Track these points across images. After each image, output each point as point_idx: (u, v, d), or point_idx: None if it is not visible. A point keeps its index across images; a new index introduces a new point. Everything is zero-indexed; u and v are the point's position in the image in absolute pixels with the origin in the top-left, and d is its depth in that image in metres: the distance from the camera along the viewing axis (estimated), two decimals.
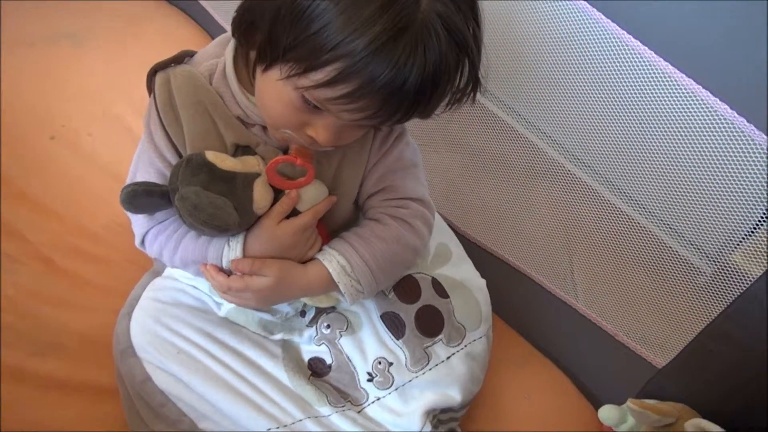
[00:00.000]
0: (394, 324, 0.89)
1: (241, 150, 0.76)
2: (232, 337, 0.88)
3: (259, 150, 0.76)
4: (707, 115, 0.73)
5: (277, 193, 0.77)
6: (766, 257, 0.75)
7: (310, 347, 0.91)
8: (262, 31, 0.63)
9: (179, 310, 0.89)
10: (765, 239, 0.75)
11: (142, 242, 0.84)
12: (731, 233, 0.81)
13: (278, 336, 0.91)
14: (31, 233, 1.12)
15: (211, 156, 0.73)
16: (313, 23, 0.58)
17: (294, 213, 0.78)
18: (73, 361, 0.97)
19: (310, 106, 0.65)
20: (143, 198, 0.74)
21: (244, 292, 0.79)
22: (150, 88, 0.75)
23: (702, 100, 0.72)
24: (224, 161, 0.73)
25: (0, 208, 1.12)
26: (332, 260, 0.80)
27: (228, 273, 0.80)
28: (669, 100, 0.77)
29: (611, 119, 0.87)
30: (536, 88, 0.97)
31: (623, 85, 0.81)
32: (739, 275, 0.79)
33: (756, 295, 0.75)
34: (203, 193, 0.70)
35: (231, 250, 0.78)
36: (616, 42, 0.79)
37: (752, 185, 0.74)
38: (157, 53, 1.39)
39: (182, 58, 0.77)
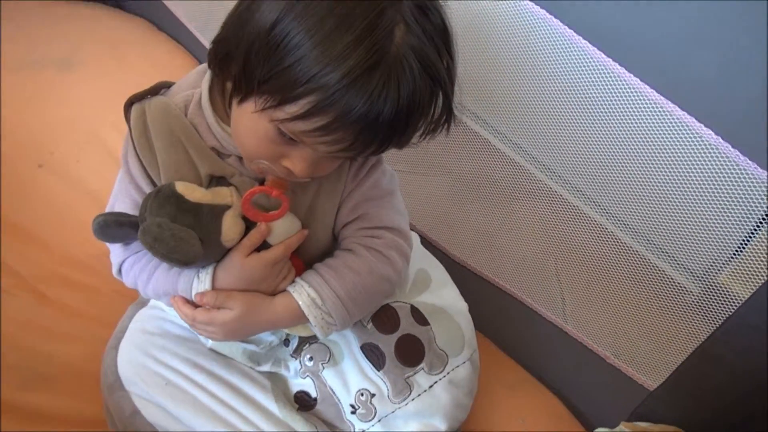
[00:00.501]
0: (374, 355, 0.88)
1: (215, 181, 0.76)
2: (220, 368, 0.87)
3: (234, 180, 0.76)
4: (693, 140, 0.75)
5: (251, 225, 0.77)
6: (753, 279, 0.76)
7: (296, 380, 0.90)
8: (237, 63, 0.63)
9: (166, 340, 0.89)
10: (752, 260, 0.76)
11: (119, 271, 0.84)
12: (717, 253, 0.82)
13: (265, 367, 0.91)
14: (19, 264, 1.11)
15: (181, 187, 0.73)
16: (287, 56, 0.58)
17: (265, 246, 0.78)
18: (63, 394, 0.96)
19: (285, 138, 0.65)
20: (114, 228, 0.74)
21: (210, 325, 0.79)
22: (127, 118, 0.75)
23: (687, 124, 0.74)
24: (193, 192, 0.73)
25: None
26: (302, 292, 0.79)
27: (197, 305, 0.80)
28: (654, 124, 0.78)
29: (597, 142, 0.88)
30: (523, 110, 0.98)
31: (607, 109, 0.82)
32: (726, 295, 0.80)
33: (744, 317, 0.75)
34: (167, 225, 0.70)
35: (200, 283, 0.78)
36: (599, 67, 0.80)
37: (736, 206, 0.75)
38: (145, 79, 1.40)
39: (158, 89, 0.77)
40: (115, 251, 0.83)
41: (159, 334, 0.89)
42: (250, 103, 0.64)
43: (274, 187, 0.72)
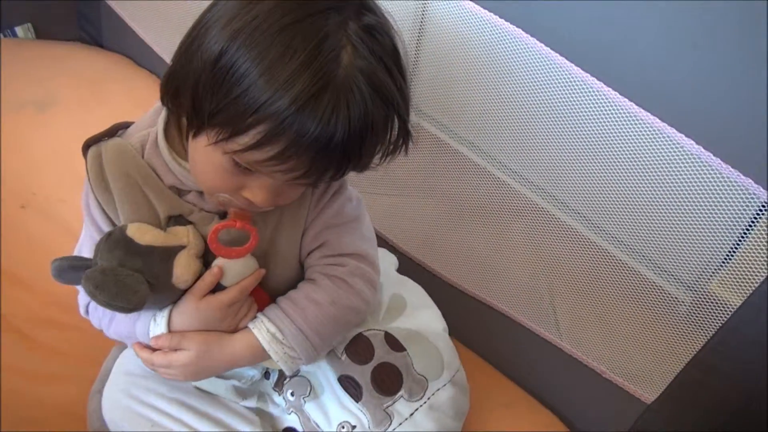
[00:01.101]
0: (351, 386, 0.86)
1: (173, 220, 0.75)
2: (206, 405, 0.86)
3: (193, 217, 0.75)
4: (675, 151, 0.75)
5: (208, 265, 0.77)
6: (743, 286, 0.76)
7: (282, 417, 0.89)
8: (187, 97, 0.62)
9: (150, 381, 0.86)
10: (740, 268, 0.76)
11: (86, 311, 0.84)
12: (707, 262, 0.82)
13: (251, 403, 0.89)
14: (4, 306, 1.09)
15: (132, 230, 0.72)
16: (234, 87, 0.58)
17: (220, 287, 0.77)
18: None
19: (242, 169, 0.64)
20: (70, 272, 0.73)
21: (169, 368, 0.79)
22: (85, 161, 0.75)
23: (669, 137, 0.74)
24: (144, 235, 0.72)
25: None
26: (261, 328, 0.78)
27: (155, 349, 0.79)
28: (637, 138, 0.78)
29: (582, 158, 0.88)
30: (508, 130, 0.98)
31: (592, 126, 0.83)
32: (717, 304, 0.80)
33: (737, 327, 0.75)
34: (111, 272, 0.69)
35: (156, 326, 0.77)
36: (581, 84, 0.80)
37: (722, 214, 0.76)
38: (126, 115, 1.40)
39: (115, 131, 0.77)
40: (82, 293, 0.83)
41: (142, 375, 0.87)
42: (203, 137, 0.63)
43: (237, 219, 0.71)
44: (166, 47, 1.49)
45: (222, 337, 0.78)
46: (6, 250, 1.17)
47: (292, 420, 0.88)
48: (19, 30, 1.59)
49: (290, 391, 0.88)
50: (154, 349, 0.79)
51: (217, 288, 0.77)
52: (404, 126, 0.67)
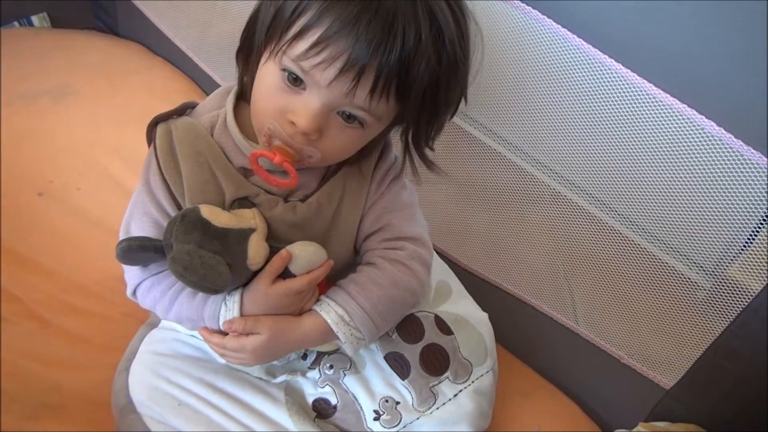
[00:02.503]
0: (398, 364, 0.88)
1: (237, 203, 0.76)
2: (233, 385, 0.87)
3: (258, 200, 0.77)
4: (695, 133, 0.74)
5: (274, 250, 0.77)
6: (764, 271, 0.75)
7: (314, 390, 0.90)
8: (252, 29, 0.69)
9: (178, 361, 0.88)
10: (761, 253, 0.75)
11: (134, 293, 0.84)
12: (727, 247, 0.82)
13: (281, 379, 0.90)
14: (22, 292, 1.10)
15: (206, 212, 0.73)
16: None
17: (288, 274, 0.78)
18: (72, 422, 0.94)
19: (291, 85, 0.66)
20: (138, 253, 0.74)
21: (241, 352, 0.80)
22: (150, 139, 0.76)
23: (689, 118, 0.73)
24: (219, 217, 0.73)
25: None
26: (329, 311, 0.80)
27: (223, 332, 0.80)
28: (656, 120, 0.78)
29: (600, 142, 0.88)
30: (525, 114, 0.98)
31: (609, 108, 0.82)
32: (737, 289, 0.79)
33: (757, 310, 0.74)
34: (196, 253, 0.70)
35: (228, 311, 0.78)
36: (598, 65, 0.80)
37: (742, 198, 0.75)
38: (142, 104, 1.42)
39: (184, 109, 0.79)
40: (131, 272, 0.83)
41: (170, 356, 0.89)
42: (264, 60, 0.68)
43: (277, 152, 0.70)
44: (181, 36, 1.49)
45: (292, 321, 0.80)
46: (24, 237, 1.18)
47: (325, 392, 0.89)
48: (35, 19, 1.60)
49: (329, 364, 0.90)
50: (223, 334, 0.81)
51: (285, 273, 0.78)
52: (461, 82, 0.70)
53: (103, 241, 1.17)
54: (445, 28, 0.65)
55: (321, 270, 0.79)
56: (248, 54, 0.72)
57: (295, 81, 0.66)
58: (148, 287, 0.82)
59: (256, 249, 0.75)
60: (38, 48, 1.52)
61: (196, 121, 0.77)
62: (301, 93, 0.67)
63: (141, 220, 0.79)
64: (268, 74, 0.68)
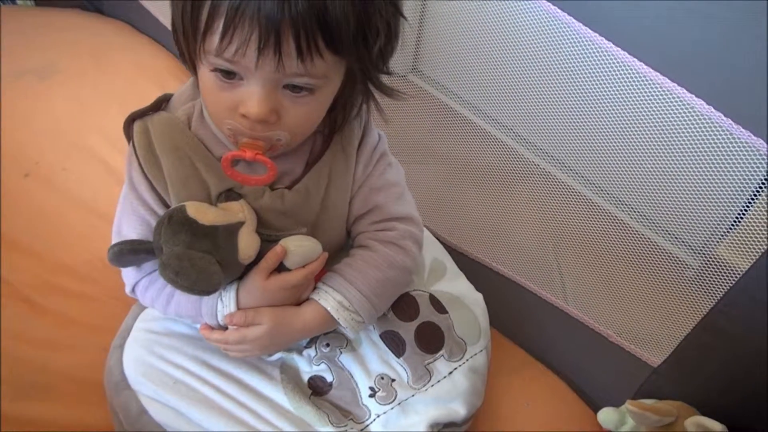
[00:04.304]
0: (394, 342, 0.89)
1: (224, 195, 0.75)
2: (228, 363, 0.87)
3: (243, 191, 0.76)
4: (684, 112, 0.74)
5: (265, 244, 0.77)
6: (751, 250, 0.75)
7: (309, 368, 0.90)
8: (178, 35, 0.66)
9: (173, 339, 0.88)
10: (749, 232, 0.75)
11: (133, 291, 0.85)
12: (715, 226, 0.82)
13: (276, 357, 0.91)
14: (9, 273, 1.10)
15: (193, 210, 0.72)
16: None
17: (283, 268, 0.78)
18: (62, 403, 0.95)
19: (228, 82, 0.65)
20: (130, 256, 0.75)
21: (243, 344, 0.80)
22: (128, 136, 0.75)
23: (678, 97, 0.73)
24: (206, 214, 0.72)
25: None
26: (328, 298, 0.80)
27: (223, 327, 0.81)
28: (644, 99, 0.77)
29: (589, 121, 0.87)
30: (514, 93, 0.97)
31: (596, 86, 0.82)
32: (725, 268, 0.79)
33: (745, 289, 0.75)
34: (185, 256, 0.69)
35: (224, 307, 0.79)
36: (587, 43, 0.79)
37: (731, 176, 0.75)
38: (129, 82, 1.40)
39: (159, 104, 0.77)
40: (127, 272, 0.84)
41: (165, 334, 0.89)
42: (199, 65, 0.67)
43: (247, 149, 0.69)
44: (165, 13, 1.47)
45: (292, 310, 0.81)
46: (10, 218, 1.17)
47: (321, 369, 0.90)
48: None
49: (325, 342, 0.90)
50: (222, 329, 0.81)
51: (280, 267, 0.78)
52: (385, 6, 0.66)
53: (90, 222, 1.17)
54: None
55: (316, 264, 0.79)
56: (187, 64, 0.71)
57: (229, 75, 0.65)
58: (145, 286, 0.83)
59: (246, 243, 0.74)
60: (22, 27, 1.51)
61: (173, 116, 0.76)
62: (241, 84, 0.65)
63: (130, 219, 0.79)
64: (205, 78, 0.67)
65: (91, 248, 1.14)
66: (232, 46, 0.61)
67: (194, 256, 0.70)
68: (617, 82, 0.79)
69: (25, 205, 1.20)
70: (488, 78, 0.98)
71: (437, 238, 1.11)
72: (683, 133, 0.75)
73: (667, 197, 0.85)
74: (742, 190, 0.76)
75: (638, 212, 0.94)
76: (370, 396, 0.87)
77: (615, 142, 0.88)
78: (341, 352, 0.89)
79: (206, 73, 0.66)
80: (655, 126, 0.79)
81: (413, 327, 0.89)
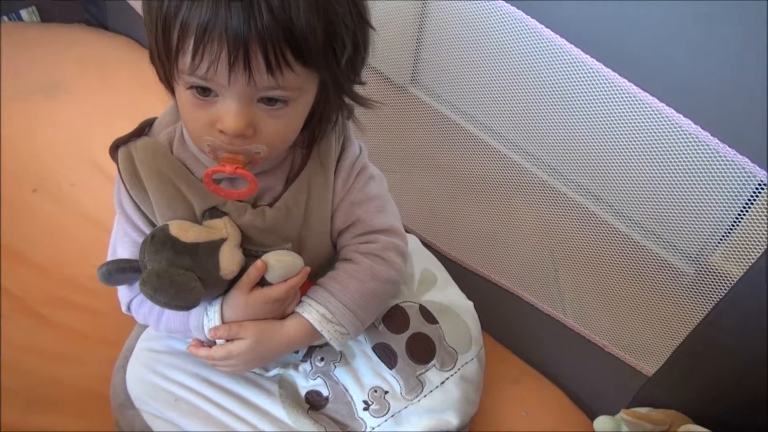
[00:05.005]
0: (386, 354, 0.90)
1: (208, 213, 0.77)
2: (228, 380, 0.89)
3: (226, 208, 0.77)
4: (674, 130, 0.76)
5: (249, 259, 0.78)
6: (744, 258, 0.77)
7: (306, 383, 0.92)
8: (155, 58, 0.67)
9: (173, 357, 0.90)
10: (742, 241, 0.77)
11: (128, 309, 0.88)
12: (708, 235, 0.83)
13: (273, 372, 0.92)
14: (17, 288, 1.12)
15: (175, 229, 0.74)
16: (160, 18, 0.63)
17: (265, 283, 0.79)
18: (71, 415, 0.96)
19: (203, 99, 0.66)
20: (118, 275, 0.78)
21: (228, 359, 0.82)
22: (115, 161, 0.77)
23: (668, 116, 0.75)
24: (187, 233, 0.75)
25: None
26: (311, 311, 0.81)
27: (213, 342, 0.82)
28: (638, 117, 0.79)
29: (585, 132, 0.89)
30: (511, 105, 0.98)
31: (591, 105, 0.83)
32: (720, 276, 0.81)
33: (734, 300, 0.76)
34: (165, 273, 0.72)
35: (209, 321, 0.80)
36: (584, 66, 0.81)
37: (720, 191, 0.77)
38: (133, 97, 1.42)
39: (142, 129, 0.79)
40: (122, 291, 0.87)
41: (166, 352, 0.91)
42: (175, 85, 0.68)
43: (226, 163, 0.70)
44: None
45: (276, 324, 0.82)
46: (19, 233, 1.19)
47: (317, 384, 0.91)
48: (24, 13, 1.60)
49: (320, 356, 0.91)
50: (209, 346, 0.83)
51: (262, 281, 0.79)
52: (349, 16, 0.66)
53: (96, 236, 1.19)
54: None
55: (297, 278, 0.80)
56: (165, 84, 0.72)
57: (204, 92, 0.65)
58: (138, 303, 0.86)
59: (228, 259, 0.76)
60: (29, 43, 1.52)
61: (155, 140, 0.78)
62: (216, 100, 0.66)
63: (123, 241, 0.82)
64: (182, 97, 0.68)
65: (98, 262, 1.12)
66: (203, 64, 0.62)
67: (174, 273, 0.72)
68: (610, 102, 0.81)
69: (33, 220, 1.22)
70: (487, 89, 0.99)
71: (434, 248, 1.13)
72: (672, 149, 0.77)
73: (661, 208, 0.86)
74: (731, 205, 0.77)
75: (634, 221, 0.95)
76: (364, 409, 0.88)
77: (610, 156, 0.89)
78: (335, 366, 0.90)
79: (183, 92, 0.67)
80: (645, 142, 0.81)
81: (404, 338, 0.90)
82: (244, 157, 0.70)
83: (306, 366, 0.92)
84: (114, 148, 0.77)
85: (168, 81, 0.69)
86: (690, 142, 0.75)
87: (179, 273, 0.72)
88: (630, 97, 0.77)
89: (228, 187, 0.76)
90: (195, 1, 0.60)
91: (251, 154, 0.70)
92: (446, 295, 0.98)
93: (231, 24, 0.59)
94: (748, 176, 0.72)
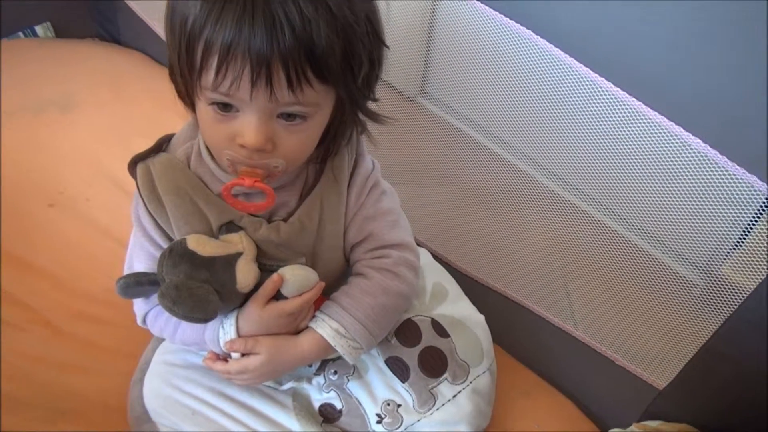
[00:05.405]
0: (398, 367, 0.91)
1: (224, 228, 0.79)
2: (242, 393, 0.90)
3: (242, 223, 0.79)
4: (681, 148, 0.77)
5: (264, 272, 0.80)
6: (755, 270, 0.77)
7: (319, 396, 0.93)
8: (176, 72, 0.69)
9: (189, 371, 0.91)
10: (752, 251, 0.77)
11: (144, 322, 0.89)
12: (718, 246, 0.84)
13: (287, 386, 0.93)
14: (33, 300, 1.13)
15: (193, 243, 0.76)
16: (184, 33, 0.64)
17: (281, 297, 0.80)
18: (86, 426, 0.97)
19: (225, 114, 0.67)
20: (135, 288, 0.79)
21: (244, 373, 0.83)
22: (133, 177, 0.79)
23: (676, 135, 0.76)
24: (205, 246, 0.76)
25: (0, 276, 1.13)
26: (325, 326, 0.83)
27: (227, 354, 0.84)
28: (646, 136, 0.80)
29: (596, 143, 0.89)
30: (521, 116, 0.99)
31: (601, 123, 0.84)
32: (730, 287, 0.81)
33: (745, 314, 0.77)
34: (183, 285, 0.73)
35: (225, 333, 0.82)
36: (592, 84, 0.82)
37: (728, 207, 0.77)
38: (146, 111, 1.43)
39: (160, 145, 0.81)
40: (138, 304, 0.88)
41: (182, 366, 0.92)
42: (196, 101, 0.69)
43: (246, 177, 0.72)
44: None
45: (290, 339, 0.83)
46: (36, 247, 1.20)
47: (330, 397, 0.92)
48: (39, 29, 1.62)
49: (333, 370, 0.92)
50: (223, 358, 0.85)
51: (277, 295, 0.80)
52: (368, 39, 0.68)
53: (112, 249, 1.20)
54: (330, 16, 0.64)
55: (312, 293, 0.81)
56: (185, 101, 0.74)
57: (225, 108, 0.67)
58: (154, 316, 0.87)
59: (244, 273, 0.77)
60: (43, 58, 1.54)
61: (173, 156, 0.79)
62: (237, 115, 0.68)
63: (140, 255, 0.83)
64: (203, 112, 0.69)
65: (114, 275, 1.12)
66: (226, 80, 0.63)
67: (192, 285, 0.73)
68: (620, 121, 0.82)
69: (50, 234, 1.23)
70: (497, 100, 1.00)
71: (444, 261, 1.13)
72: (681, 167, 0.78)
73: (671, 219, 0.86)
74: (738, 220, 0.78)
75: (643, 231, 0.95)
76: (378, 422, 0.90)
77: (620, 169, 0.89)
78: (348, 380, 0.92)
79: (204, 107, 0.68)
80: (655, 160, 0.81)
81: (416, 352, 0.92)
82: (263, 170, 0.72)
83: (319, 379, 0.93)
84: (132, 164, 0.78)
85: (189, 97, 0.71)
86: (698, 159, 0.76)
87: (197, 286, 0.73)
88: (640, 116, 0.78)
89: (245, 201, 0.77)
90: (219, 21, 0.61)
91: (270, 168, 0.72)
92: (458, 308, 0.99)
93: (254, 43, 0.61)
94: (756, 194, 0.73)
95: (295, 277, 0.80)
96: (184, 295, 0.72)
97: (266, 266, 0.80)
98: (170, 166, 0.78)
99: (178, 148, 0.80)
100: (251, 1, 0.61)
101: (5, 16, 1.54)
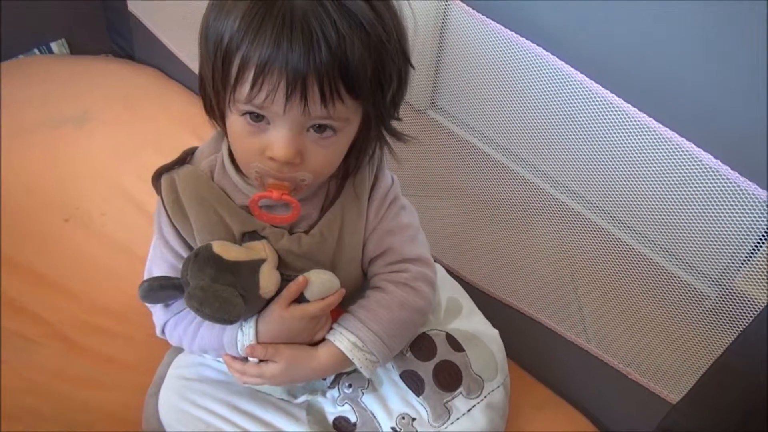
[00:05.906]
0: (413, 381, 0.91)
1: (247, 236, 0.80)
2: (257, 407, 0.91)
3: (265, 233, 0.80)
4: (692, 164, 0.78)
5: (286, 279, 0.81)
6: (766, 286, 0.77)
7: (334, 409, 0.93)
8: (208, 84, 0.71)
9: (204, 385, 0.92)
10: (761, 268, 0.78)
11: (162, 332, 0.90)
12: (731, 256, 0.84)
13: (302, 399, 0.94)
14: (48, 314, 1.14)
15: (218, 248, 0.77)
16: (220, 48, 0.66)
17: (303, 300, 0.81)
18: None
19: (256, 125, 0.69)
20: (159, 291, 0.80)
21: (260, 378, 0.84)
22: (157, 189, 0.80)
23: (687, 150, 0.77)
24: (229, 251, 0.77)
25: (15, 291, 1.15)
26: (342, 339, 0.83)
27: (243, 357, 0.84)
28: (657, 151, 0.81)
29: (607, 155, 0.90)
30: (531, 128, 1.00)
31: (611, 139, 0.85)
32: (742, 299, 0.81)
33: (757, 329, 0.77)
34: (209, 287, 0.74)
35: (244, 336, 0.82)
36: (601, 100, 0.83)
37: (739, 220, 0.78)
38: (161, 128, 1.45)
39: (184, 158, 0.83)
40: (157, 314, 0.88)
41: (197, 380, 0.93)
42: (228, 114, 0.71)
43: (273, 190, 0.73)
44: (196, 60, 1.52)
45: (308, 350, 0.84)
46: (52, 261, 1.21)
47: (345, 410, 0.92)
48: (54, 46, 1.65)
49: (348, 383, 0.93)
50: (243, 360, 0.85)
51: (300, 299, 0.81)
52: (397, 56, 0.70)
53: (127, 264, 1.21)
54: (358, 13, 0.66)
55: (334, 297, 0.82)
56: (213, 114, 0.75)
57: (257, 119, 0.68)
58: (173, 325, 0.88)
59: (267, 278, 0.78)
60: (59, 74, 1.56)
61: (197, 168, 0.81)
62: (268, 128, 0.69)
63: (160, 264, 0.84)
64: (234, 124, 0.71)
65: (129, 289, 1.14)
66: (261, 94, 0.65)
67: (218, 288, 0.74)
68: (630, 136, 0.82)
69: (64, 249, 1.24)
70: (507, 113, 1.00)
71: (456, 275, 1.13)
72: (693, 182, 0.78)
73: (683, 233, 0.86)
74: (749, 232, 0.78)
75: (655, 244, 0.95)
76: None
77: (632, 183, 0.90)
78: (363, 393, 0.92)
79: (235, 118, 0.70)
80: (666, 175, 0.82)
81: (431, 366, 0.91)
82: (290, 183, 0.73)
83: (334, 392, 0.93)
84: (157, 176, 0.80)
85: (219, 109, 0.73)
86: (710, 175, 0.76)
87: (223, 288, 0.75)
88: (650, 130, 0.79)
89: (268, 213, 0.79)
90: (258, 37, 0.63)
91: (297, 182, 0.73)
92: (472, 323, 0.99)
93: (291, 59, 0.63)
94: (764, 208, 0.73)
95: (320, 280, 0.81)
96: (210, 297, 0.73)
97: (286, 276, 0.81)
98: (194, 178, 0.79)
99: (202, 161, 0.81)
100: (290, 17, 0.63)
101: (21, 33, 1.56)
